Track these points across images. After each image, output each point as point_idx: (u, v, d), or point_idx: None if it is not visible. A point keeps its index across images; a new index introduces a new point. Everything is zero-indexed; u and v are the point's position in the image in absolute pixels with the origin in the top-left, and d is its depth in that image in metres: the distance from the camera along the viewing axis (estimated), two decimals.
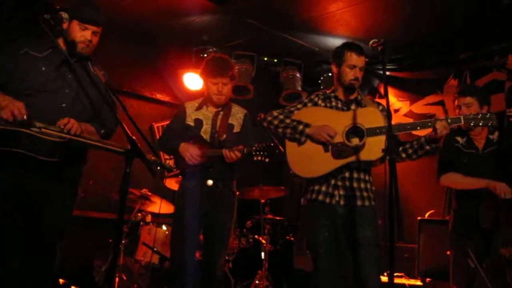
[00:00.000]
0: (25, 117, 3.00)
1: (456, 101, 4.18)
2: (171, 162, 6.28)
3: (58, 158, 3.15)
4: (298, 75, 7.20)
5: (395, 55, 6.82)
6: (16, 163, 3.10)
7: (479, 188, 4.01)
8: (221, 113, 4.19)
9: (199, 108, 4.22)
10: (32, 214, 3.24)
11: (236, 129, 4.18)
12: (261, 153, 3.82)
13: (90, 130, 3.33)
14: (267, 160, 3.85)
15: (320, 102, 3.79)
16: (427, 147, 3.53)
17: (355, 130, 3.52)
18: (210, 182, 4.03)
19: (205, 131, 4.11)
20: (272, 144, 3.85)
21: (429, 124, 3.41)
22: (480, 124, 3.38)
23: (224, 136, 4.08)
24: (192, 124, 4.15)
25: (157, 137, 7.09)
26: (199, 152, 3.98)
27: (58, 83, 3.32)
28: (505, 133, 4.14)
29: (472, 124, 3.41)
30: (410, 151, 3.61)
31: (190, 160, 3.97)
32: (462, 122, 3.42)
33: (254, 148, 3.83)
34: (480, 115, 3.38)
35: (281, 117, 3.74)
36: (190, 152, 3.98)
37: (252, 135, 4.24)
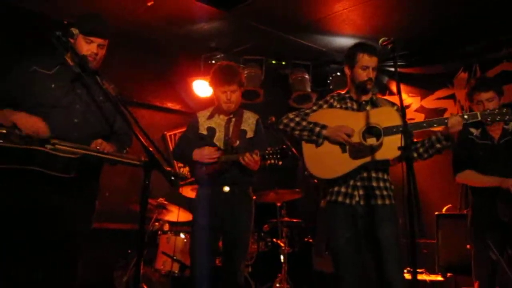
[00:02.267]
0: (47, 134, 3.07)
1: (475, 96, 4.12)
2: (184, 170, 6.32)
3: (74, 173, 3.16)
4: (306, 76, 7.22)
5: (403, 51, 6.81)
6: (33, 181, 3.11)
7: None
8: (233, 119, 4.20)
9: (211, 116, 4.24)
10: (51, 231, 3.25)
11: (249, 134, 4.19)
12: (274, 156, 3.83)
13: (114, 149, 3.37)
14: (280, 163, 3.86)
15: (335, 103, 3.80)
16: (438, 145, 3.52)
17: (372, 130, 3.52)
18: (226, 188, 4.05)
19: (219, 139, 4.12)
20: (284, 147, 3.86)
21: (445, 121, 3.40)
22: (497, 119, 3.37)
23: (237, 142, 4.09)
24: (205, 133, 4.17)
25: (170, 145, 7.12)
26: (213, 150, 4.00)
27: (69, 99, 3.33)
28: None
29: (489, 119, 3.39)
30: (421, 150, 3.60)
31: (209, 159, 3.99)
32: (479, 118, 3.38)
33: (266, 151, 3.84)
34: (497, 110, 3.36)
35: (297, 119, 3.75)
36: (205, 152, 4.01)
37: (265, 139, 4.25)
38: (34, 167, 3.06)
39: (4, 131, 3.03)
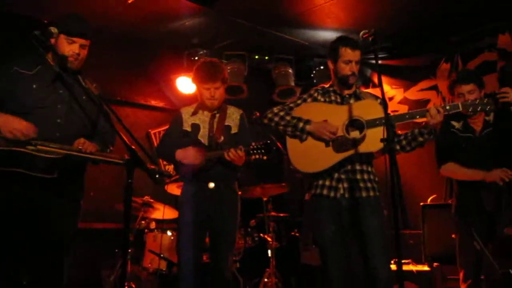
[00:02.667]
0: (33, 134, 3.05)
1: (457, 89, 4.14)
2: (170, 168, 6.30)
3: (58, 174, 3.15)
4: (290, 70, 7.23)
5: (385, 43, 6.83)
6: (16, 182, 3.10)
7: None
8: (217, 115, 4.19)
9: (194, 113, 4.23)
10: (37, 232, 3.24)
11: (234, 130, 4.19)
12: (259, 151, 3.83)
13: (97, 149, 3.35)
14: (265, 157, 3.86)
15: (319, 97, 3.81)
16: (420, 139, 3.54)
17: (355, 123, 3.53)
18: (211, 184, 4.04)
19: (203, 135, 4.12)
20: (268, 142, 3.86)
21: (427, 112, 3.41)
22: (478, 109, 3.39)
23: (222, 138, 4.09)
24: (189, 129, 4.16)
25: (155, 143, 7.08)
26: (197, 150, 3.98)
27: (51, 99, 3.31)
28: (497, 116, 4.15)
29: (470, 110, 3.41)
30: (404, 142, 3.62)
31: (194, 160, 3.97)
32: (461, 109, 3.40)
33: (251, 147, 3.84)
34: (478, 100, 3.38)
35: (282, 114, 3.75)
36: (188, 154, 3.99)
37: (250, 134, 4.24)
38: (16, 168, 3.05)
39: None
